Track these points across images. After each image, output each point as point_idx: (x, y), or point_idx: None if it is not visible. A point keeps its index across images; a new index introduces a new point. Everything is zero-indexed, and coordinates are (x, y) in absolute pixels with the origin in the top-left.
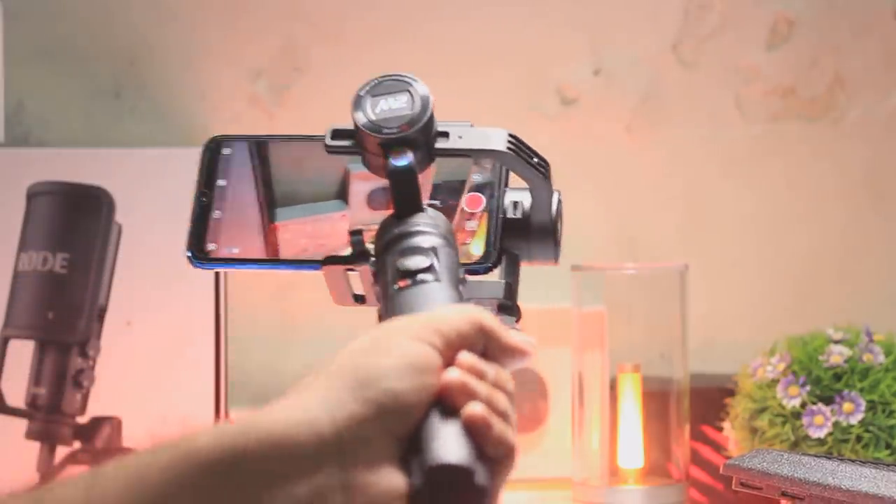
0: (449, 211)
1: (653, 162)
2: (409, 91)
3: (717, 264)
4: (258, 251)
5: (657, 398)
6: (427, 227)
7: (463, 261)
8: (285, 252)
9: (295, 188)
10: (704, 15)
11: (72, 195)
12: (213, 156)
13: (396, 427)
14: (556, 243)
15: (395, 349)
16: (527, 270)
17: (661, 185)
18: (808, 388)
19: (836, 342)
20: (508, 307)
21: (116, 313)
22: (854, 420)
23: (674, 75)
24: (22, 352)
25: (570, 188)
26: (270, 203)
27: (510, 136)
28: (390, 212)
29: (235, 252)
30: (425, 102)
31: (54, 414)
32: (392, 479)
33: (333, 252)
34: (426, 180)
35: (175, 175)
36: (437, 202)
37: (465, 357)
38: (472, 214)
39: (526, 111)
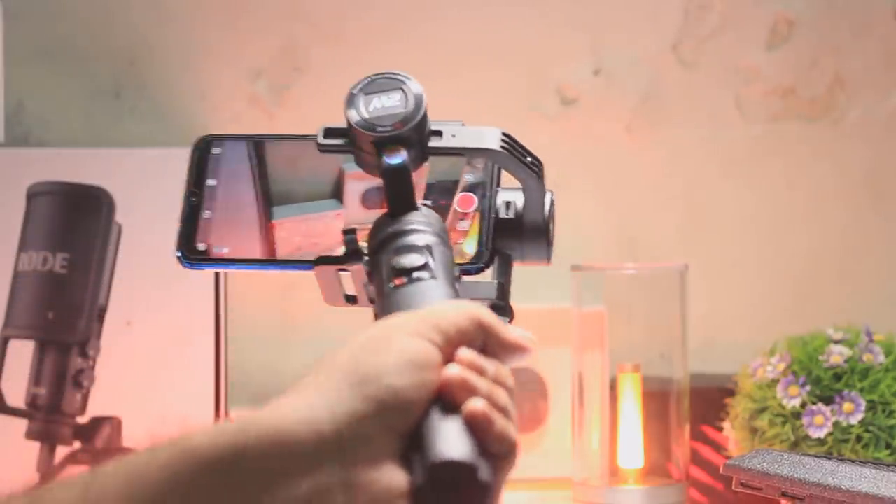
0: (441, 211)
1: (653, 162)
2: (402, 89)
3: (717, 264)
4: (249, 251)
5: (657, 398)
6: (421, 225)
7: (455, 261)
8: (278, 252)
9: (288, 188)
10: (704, 15)
11: (72, 195)
12: (202, 155)
13: (397, 424)
14: (549, 243)
15: (395, 346)
16: (527, 271)
17: (661, 185)
18: (808, 388)
19: (836, 342)
20: (501, 307)
21: (116, 313)
22: (854, 420)
23: (674, 75)
24: (22, 352)
25: (571, 188)
26: (262, 203)
27: (504, 134)
28: (385, 211)
29: (226, 252)
30: (419, 100)
31: (54, 414)
32: (393, 476)
33: (327, 251)
34: (420, 179)
35: (175, 175)
36: (428, 202)
37: (465, 353)
38: (465, 214)
39: (526, 111)
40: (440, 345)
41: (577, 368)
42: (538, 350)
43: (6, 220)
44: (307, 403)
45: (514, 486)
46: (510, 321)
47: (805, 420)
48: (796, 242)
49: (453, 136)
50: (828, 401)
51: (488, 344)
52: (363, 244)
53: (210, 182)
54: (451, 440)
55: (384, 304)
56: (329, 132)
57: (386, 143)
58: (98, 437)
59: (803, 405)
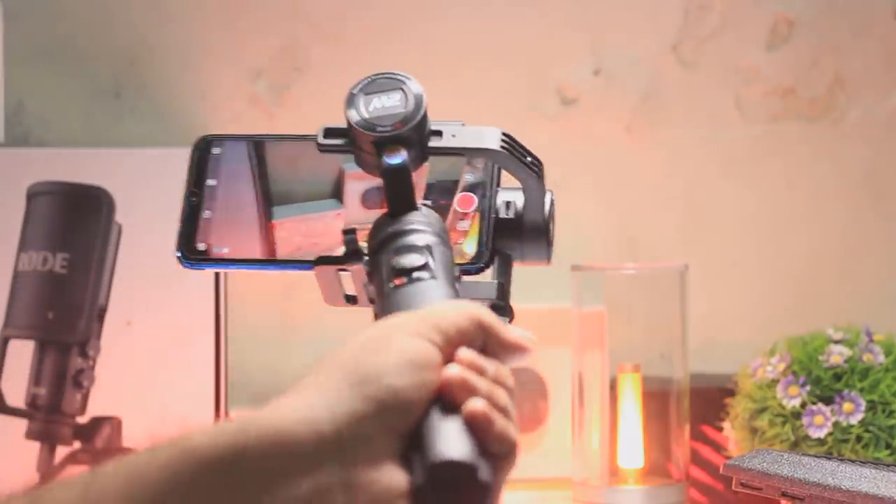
0: (441, 211)
1: (653, 162)
2: (402, 89)
3: (717, 264)
4: (249, 251)
5: (657, 398)
6: (421, 225)
7: (455, 261)
8: (277, 252)
9: (288, 188)
10: (704, 15)
11: (72, 195)
12: (202, 155)
13: (397, 424)
14: (549, 243)
15: (395, 346)
16: (527, 270)
17: (661, 185)
18: (808, 388)
19: (836, 342)
20: (501, 307)
21: (116, 313)
22: (854, 420)
23: (674, 75)
24: (22, 352)
25: (571, 188)
26: (262, 203)
27: (504, 134)
28: (385, 211)
29: (226, 252)
30: (419, 100)
31: (54, 414)
32: (393, 476)
33: (328, 251)
34: (421, 179)
35: (175, 175)
36: (428, 202)
37: (465, 353)
38: (464, 214)
39: (526, 111)
40: (440, 345)
41: (577, 368)
42: (538, 350)
43: (6, 220)
44: (307, 403)
45: (514, 486)
46: (510, 321)
47: (805, 420)
48: (796, 242)
49: (453, 136)
50: (828, 401)
51: (488, 344)
52: (363, 244)
53: (210, 182)
54: (451, 440)
55: (384, 304)
56: (329, 132)
57: (386, 143)
58: (98, 437)
59: (803, 405)
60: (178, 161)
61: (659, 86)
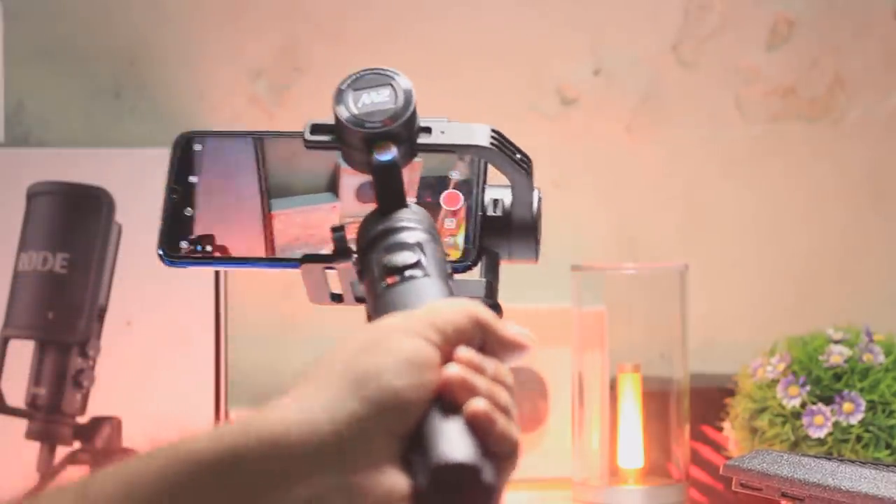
0: (429, 208)
1: (653, 162)
2: (391, 85)
3: (717, 264)
4: (232, 249)
5: (657, 398)
6: (412, 222)
7: None
8: (274, 246)
9: (279, 182)
10: (704, 15)
11: (72, 195)
12: (183, 152)
13: (396, 425)
14: (537, 241)
15: (393, 346)
16: (528, 270)
17: (661, 185)
18: (808, 388)
19: (836, 342)
20: (490, 306)
21: (116, 313)
22: (854, 420)
23: (674, 75)
24: (22, 352)
25: (570, 188)
26: (245, 200)
27: (493, 131)
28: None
29: (209, 250)
30: (408, 96)
31: (54, 414)
32: (394, 479)
33: (317, 249)
34: (413, 173)
35: None
36: (414, 199)
37: (464, 352)
38: (451, 212)
39: (526, 111)
40: (438, 344)
41: (577, 368)
42: (538, 350)
43: (6, 220)
44: (305, 406)
45: (514, 486)
46: None
47: (805, 420)
48: (796, 242)
49: (442, 132)
50: (828, 401)
51: (487, 342)
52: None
53: (192, 179)
54: (453, 441)
55: (378, 304)
56: (316, 128)
57: (376, 140)
58: (98, 437)
59: (803, 405)
60: None
61: (659, 86)
